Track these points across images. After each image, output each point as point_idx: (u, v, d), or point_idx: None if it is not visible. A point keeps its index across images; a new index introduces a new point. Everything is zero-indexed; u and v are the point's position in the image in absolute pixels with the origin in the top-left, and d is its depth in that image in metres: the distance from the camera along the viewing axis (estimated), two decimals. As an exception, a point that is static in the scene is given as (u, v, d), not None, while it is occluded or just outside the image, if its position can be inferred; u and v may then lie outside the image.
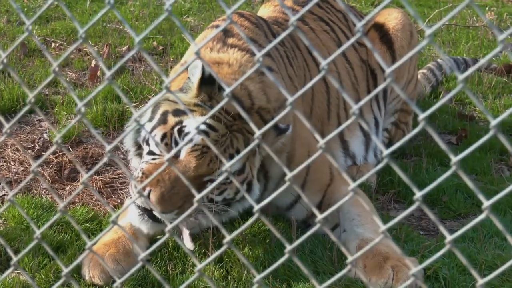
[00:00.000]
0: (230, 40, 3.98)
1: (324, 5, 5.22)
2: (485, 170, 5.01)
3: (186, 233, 3.72)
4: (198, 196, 1.87)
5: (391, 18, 5.25)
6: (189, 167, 3.44)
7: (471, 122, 5.78)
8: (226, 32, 4.04)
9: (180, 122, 3.54)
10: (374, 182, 4.72)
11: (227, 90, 1.73)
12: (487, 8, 9.41)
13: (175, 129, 3.53)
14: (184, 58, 4.48)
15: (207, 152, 3.45)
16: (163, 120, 3.59)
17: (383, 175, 4.82)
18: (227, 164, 1.79)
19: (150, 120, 3.63)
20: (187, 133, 3.50)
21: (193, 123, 3.51)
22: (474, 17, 8.76)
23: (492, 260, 3.75)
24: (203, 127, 3.48)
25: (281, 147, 3.84)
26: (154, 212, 3.48)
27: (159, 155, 3.56)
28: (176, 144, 3.51)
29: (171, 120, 3.57)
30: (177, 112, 3.58)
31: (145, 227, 3.58)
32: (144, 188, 3.40)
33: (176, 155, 3.46)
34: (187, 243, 3.68)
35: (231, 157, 3.51)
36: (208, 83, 3.55)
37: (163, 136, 3.55)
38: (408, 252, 3.85)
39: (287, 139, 3.84)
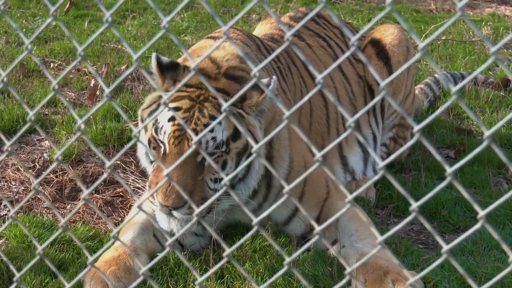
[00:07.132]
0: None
1: (321, 21, 5.26)
2: (484, 183, 5.03)
3: None
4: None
5: (388, 34, 5.28)
6: (175, 156, 3.52)
7: (469, 136, 5.80)
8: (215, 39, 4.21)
9: (156, 121, 3.63)
10: (373, 196, 4.74)
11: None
12: (483, 23, 9.46)
13: (153, 130, 3.63)
14: None
15: (182, 135, 3.54)
16: (145, 129, 3.70)
17: (382, 189, 4.84)
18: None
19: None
20: (162, 126, 3.59)
21: (163, 115, 3.60)
22: (471, 32, 8.81)
23: (491, 273, 3.76)
24: (168, 115, 3.58)
25: (284, 143, 3.88)
26: (173, 212, 3.55)
27: (153, 161, 3.72)
28: (162, 142, 3.61)
29: (150, 124, 3.65)
30: (151, 114, 3.68)
31: (174, 224, 3.63)
32: (153, 197, 3.55)
33: (165, 152, 3.58)
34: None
35: (206, 126, 3.53)
36: (170, 70, 3.65)
37: (149, 143, 3.67)
38: (408, 265, 3.87)
39: (285, 142, 3.90)
